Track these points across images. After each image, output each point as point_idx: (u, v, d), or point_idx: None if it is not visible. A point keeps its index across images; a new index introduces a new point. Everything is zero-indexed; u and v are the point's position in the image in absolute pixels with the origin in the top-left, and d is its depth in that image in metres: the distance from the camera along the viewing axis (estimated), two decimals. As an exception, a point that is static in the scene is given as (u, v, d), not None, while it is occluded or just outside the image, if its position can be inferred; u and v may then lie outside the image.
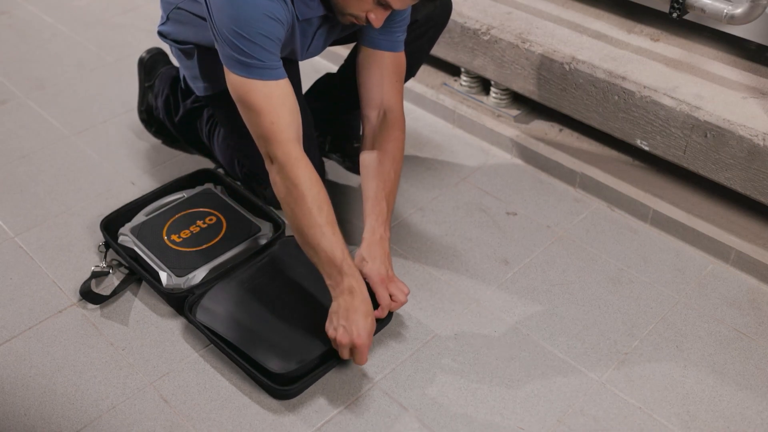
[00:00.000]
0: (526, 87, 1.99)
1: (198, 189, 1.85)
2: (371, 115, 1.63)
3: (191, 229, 1.73)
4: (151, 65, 2.07)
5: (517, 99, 2.14)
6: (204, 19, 1.56)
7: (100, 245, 1.74)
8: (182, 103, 1.94)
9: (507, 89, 2.11)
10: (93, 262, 1.73)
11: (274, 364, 1.43)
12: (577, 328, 1.59)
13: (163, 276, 1.62)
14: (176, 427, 1.41)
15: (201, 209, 1.79)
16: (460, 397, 1.46)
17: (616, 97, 1.81)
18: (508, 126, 2.08)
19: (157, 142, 2.10)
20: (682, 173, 1.87)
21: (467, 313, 1.63)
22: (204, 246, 1.69)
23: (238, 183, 1.90)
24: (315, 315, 1.50)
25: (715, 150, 1.68)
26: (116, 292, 1.65)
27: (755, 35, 1.78)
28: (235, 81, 1.41)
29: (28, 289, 1.68)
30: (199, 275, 1.62)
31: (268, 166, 1.46)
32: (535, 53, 1.92)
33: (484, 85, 2.19)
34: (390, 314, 1.57)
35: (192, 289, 1.59)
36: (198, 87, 1.73)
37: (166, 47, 2.03)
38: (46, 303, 1.64)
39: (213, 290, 1.58)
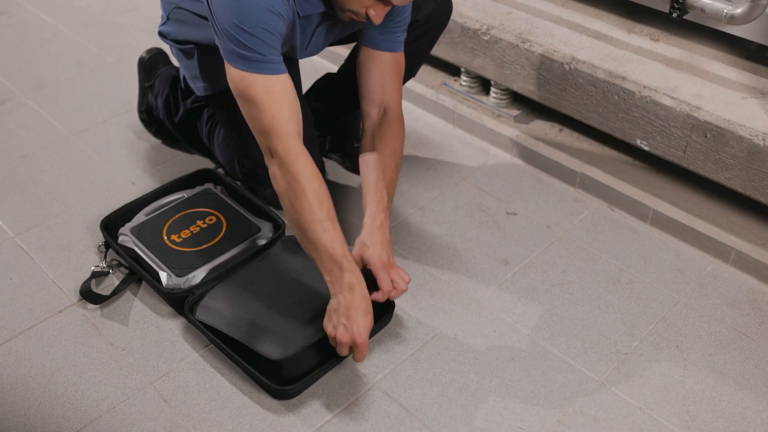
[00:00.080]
0: (526, 87, 1.99)
1: (198, 189, 1.85)
2: (372, 111, 1.63)
3: (191, 229, 1.73)
4: (151, 65, 2.07)
5: (517, 99, 2.14)
6: (204, 18, 1.56)
7: (100, 245, 1.74)
8: (182, 103, 1.94)
9: (507, 89, 2.10)
10: (93, 262, 1.73)
11: (273, 351, 1.43)
12: (577, 328, 1.59)
13: (163, 276, 1.62)
14: (176, 427, 1.41)
15: (201, 209, 1.79)
16: (460, 397, 1.46)
17: (616, 97, 1.81)
18: (508, 126, 2.08)
19: (157, 142, 2.10)
20: (682, 173, 1.87)
21: (467, 313, 1.63)
22: (204, 246, 1.69)
23: (238, 183, 1.90)
24: (314, 312, 1.50)
25: (715, 150, 1.68)
26: (116, 292, 1.65)
27: (755, 35, 1.78)
28: (235, 75, 1.40)
29: (28, 289, 1.68)
30: (199, 275, 1.62)
31: (268, 161, 1.45)
32: (535, 53, 1.92)
33: (484, 85, 2.19)
34: (390, 314, 1.57)
35: (192, 289, 1.59)
36: (198, 87, 1.73)
37: (166, 47, 2.03)
38: (46, 303, 1.64)
39: (213, 290, 1.58)
